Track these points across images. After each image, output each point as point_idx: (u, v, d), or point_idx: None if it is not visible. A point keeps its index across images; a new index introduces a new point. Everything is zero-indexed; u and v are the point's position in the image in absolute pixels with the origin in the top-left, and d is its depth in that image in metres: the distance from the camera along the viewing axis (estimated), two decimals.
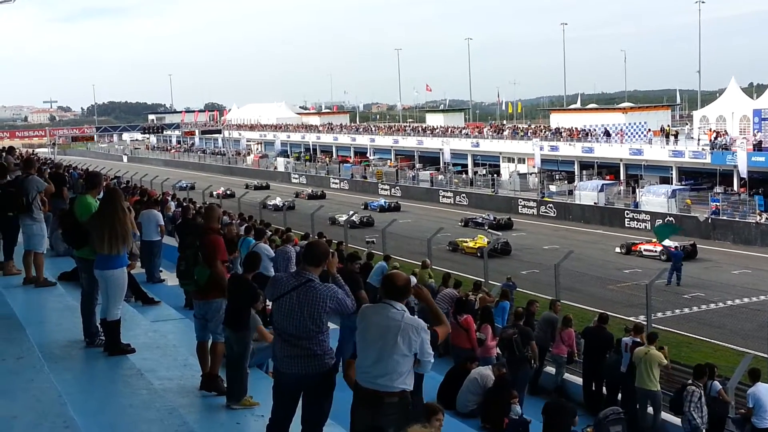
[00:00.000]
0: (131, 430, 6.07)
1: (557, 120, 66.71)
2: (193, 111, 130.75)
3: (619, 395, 13.55)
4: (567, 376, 14.93)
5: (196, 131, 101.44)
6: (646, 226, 43.05)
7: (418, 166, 72.86)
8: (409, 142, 76.07)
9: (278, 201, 48.26)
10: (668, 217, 42.05)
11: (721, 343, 21.65)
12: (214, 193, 52.03)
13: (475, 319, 13.86)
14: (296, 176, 77.82)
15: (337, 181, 72.16)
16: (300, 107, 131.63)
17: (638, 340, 13.43)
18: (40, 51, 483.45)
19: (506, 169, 63.90)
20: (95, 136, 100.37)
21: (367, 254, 20.07)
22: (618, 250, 36.77)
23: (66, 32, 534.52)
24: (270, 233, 18.87)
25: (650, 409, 12.88)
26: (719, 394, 11.85)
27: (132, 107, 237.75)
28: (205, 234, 7.65)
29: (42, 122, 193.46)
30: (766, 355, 14.19)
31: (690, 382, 11.35)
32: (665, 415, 12.95)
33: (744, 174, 43.66)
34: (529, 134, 64.00)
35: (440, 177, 63.25)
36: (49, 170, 17.39)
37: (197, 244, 7.68)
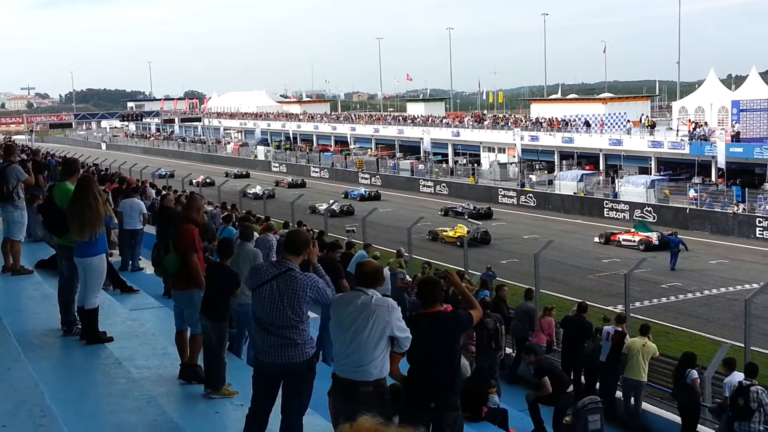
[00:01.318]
0: (109, 419, 6.03)
1: (538, 110, 66.84)
2: (173, 99, 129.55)
3: (597, 384, 13.64)
4: None
5: (176, 119, 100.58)
6: (624, 216, 43.33)
7: (398, 155, 72.77)
8: (389, 131, 75.94)
9: (258, 189, 48.17)
10: (646, 207, 42.43)
11: (698, 332, 21.83)
12: (194, 181, 51.76)
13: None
14: (276, 165, 77.50)
15: (318, 169, 71.94)
16: (280, 96, 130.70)
17: (620, 329, 13.51)
18: (18, 37, 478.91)
19: (486, 158, 63.99)
20: (73, 123, 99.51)
21: (347, 243, 20.01)
22: (597, 239, 37.00)
23: (44, 19, 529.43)
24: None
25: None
26: (693, 383, 11.93)
27: (111, 94, 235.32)
28: (180, 223, 7.58)
29: (19, 109, 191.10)
30: (742, 345, 14.31)
31: (749, 382, 10.75)
32: (645, 405, 13.10)
33: (722, 165, 43.95)
34: (509, 124, 64.05)
35: (420, 166, 63.18)
36: (27, 160, 17.18)
37: (171, 232, 7.62)
